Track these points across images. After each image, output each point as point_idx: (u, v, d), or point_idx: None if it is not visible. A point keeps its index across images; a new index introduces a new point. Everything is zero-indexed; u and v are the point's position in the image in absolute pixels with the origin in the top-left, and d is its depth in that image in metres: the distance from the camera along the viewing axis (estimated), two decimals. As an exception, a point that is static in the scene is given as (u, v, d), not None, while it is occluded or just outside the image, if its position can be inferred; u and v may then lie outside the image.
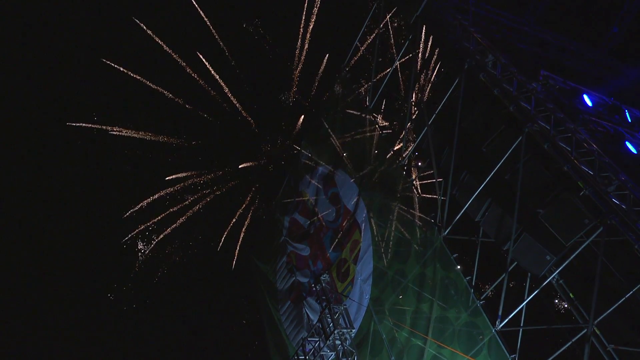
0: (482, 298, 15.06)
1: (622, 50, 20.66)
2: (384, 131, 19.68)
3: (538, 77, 15.81)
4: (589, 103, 16.32)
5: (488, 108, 15.29)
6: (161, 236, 28.50)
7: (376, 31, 19.81)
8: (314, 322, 19.13)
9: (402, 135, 18.56)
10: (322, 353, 17.42)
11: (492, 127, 15.06)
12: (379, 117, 20.04)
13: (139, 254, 29.46)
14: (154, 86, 26.17)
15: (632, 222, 11.61)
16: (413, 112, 18.52)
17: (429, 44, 18.38)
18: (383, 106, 20.46)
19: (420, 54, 17.88)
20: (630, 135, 15.65)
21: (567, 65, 19.13)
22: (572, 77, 16.99)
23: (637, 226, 11.53)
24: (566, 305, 15.36)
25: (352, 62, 21.68)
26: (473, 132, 15.63)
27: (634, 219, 11.66)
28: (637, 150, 15.04)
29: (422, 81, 17.77)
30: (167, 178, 27.33)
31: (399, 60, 19.13)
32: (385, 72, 19.74)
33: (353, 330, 17.54)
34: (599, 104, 16.61)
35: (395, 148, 18.99)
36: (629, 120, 16.85)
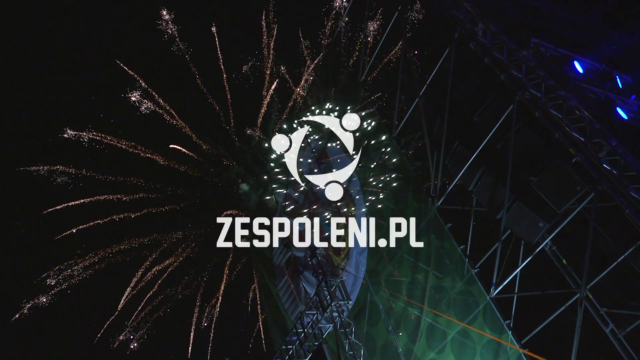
0: (476, 266, 15.21)
1: (613, 17, 20.56)
2: (376, 104, 19.66)
3: (528, 45, 15.76)
4: (580, 70, 16.31)
5: (479, 77, 15.27)
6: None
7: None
8: (311, 296, 19.23)
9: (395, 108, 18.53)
10: (320, 325, 17.53)
11: (484, 96, 15.06)
12: (370, 91, 19.99)
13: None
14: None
15: (623, 188, 11.71)
16: (404, 83, 18.47)
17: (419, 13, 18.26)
18: (374, 78, 20.39)
19: (410, 24, 17.76)
20: (621, 101, 15.67)
21: (558, 32, 19.03)
22: (562, 44, 16.93)
23: (628, 191, 11.63)
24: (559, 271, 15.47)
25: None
26: (464, 102, 15.62)
27: (625, 184, 11.75)
28: (627, 116, 15.08)
29: (412, 52, 17.67)
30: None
31: (388, 32, 19.03)
32: (374, 43, 19.68)
33: (350, 302, 17.61)
34: (590, 71, 16.59)
35: (387, 121, 18.97)
36: (620, 87, 16.85)
